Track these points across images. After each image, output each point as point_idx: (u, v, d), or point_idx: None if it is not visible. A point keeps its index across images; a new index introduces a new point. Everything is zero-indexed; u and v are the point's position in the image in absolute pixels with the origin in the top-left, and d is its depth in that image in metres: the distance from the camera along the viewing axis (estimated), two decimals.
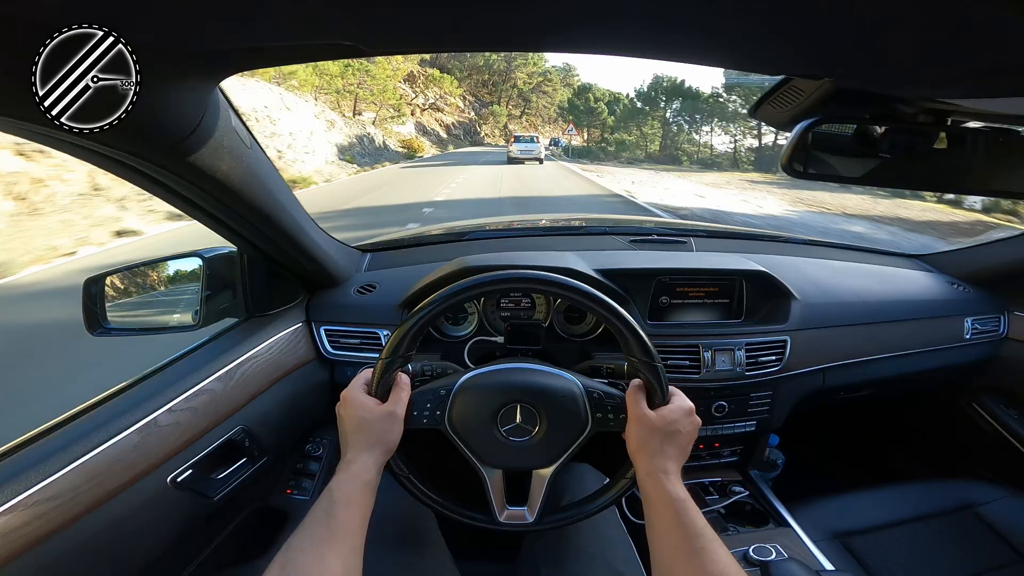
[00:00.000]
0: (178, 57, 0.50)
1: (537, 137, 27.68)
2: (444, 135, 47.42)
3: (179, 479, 0.82)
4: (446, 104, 52.31)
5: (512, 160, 23.93)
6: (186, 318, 1.05)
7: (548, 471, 0.77)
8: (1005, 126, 0.66)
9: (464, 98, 58.80)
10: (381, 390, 0.74)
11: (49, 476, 0.65)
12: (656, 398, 0.74)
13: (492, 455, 0.77)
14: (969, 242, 1.67)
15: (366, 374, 0.77)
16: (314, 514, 0.62)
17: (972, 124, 0.66)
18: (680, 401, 0.75)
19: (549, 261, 1.22)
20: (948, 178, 0.72)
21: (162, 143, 0.59)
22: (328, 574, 0.57)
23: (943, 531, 1.23)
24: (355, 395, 0.74)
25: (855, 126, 0.70)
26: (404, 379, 0.76)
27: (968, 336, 1.46)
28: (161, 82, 0.51)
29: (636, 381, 0.76)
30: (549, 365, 0.82)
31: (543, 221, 1.75)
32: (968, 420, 1.63)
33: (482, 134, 58.32)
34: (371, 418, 0.72)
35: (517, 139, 26.42)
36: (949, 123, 0.64)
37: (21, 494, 0.62)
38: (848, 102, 0.64)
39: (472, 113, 59.39)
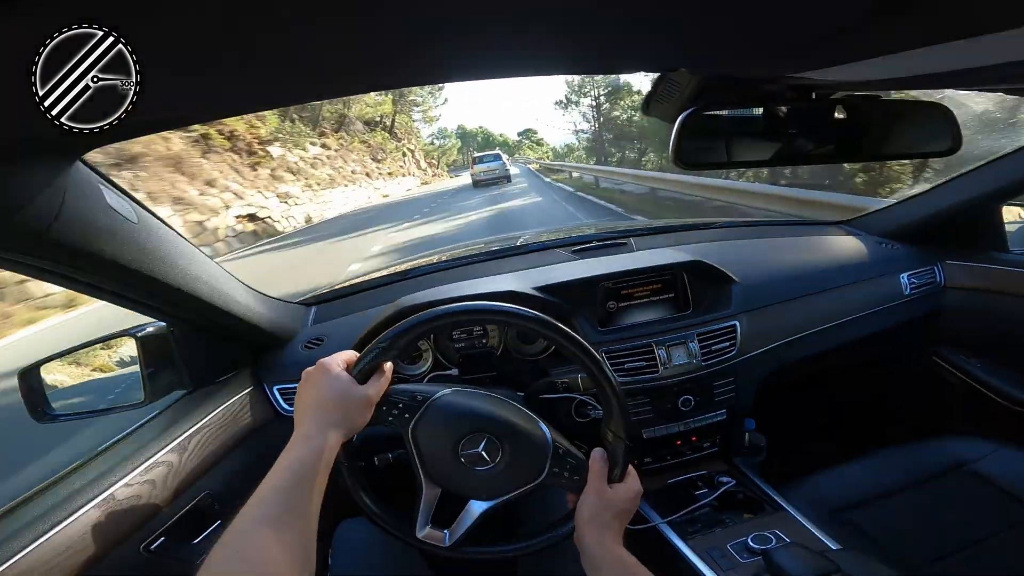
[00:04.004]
0: (20, 141, 0.48)
1: (500, 154, 24.28)
2: None
3: (152, 547, 0.81)
4: None
5: (479, 184, 21.66)
6: (132, 396, 1.04)
7: (484, 505, 0.77)
8: (867, 93, 0.70)
9: None
10: (363, 373, 0.73)
11: (17, 554, 0.66)
12: (616, 474, 0.76)
13: (440, 473, 0.76)
14: (888, 201, 1.73)
15: (348, 353, 0.75)
16: (268, 485, 0.58)
17: (837, 95, 0.70)
18: (634, 482, 0.78)
19: (491, 287, 1.23)
20: (830, 150, 0.76)
21: (23, 233, 0.57)
22: (285, 556, 0.52)
23: (943, 493, 1.22)
24: (333, 367, 0.71)
25: (744, 112, 0.74)
26: (389, 368, 0.75)
27: (908, 292, 1.51)
28: (5, 168, 0.50)
29: (600, 453, 0.78)
30: (512, 395, 0.85)
31: (485, 246, 1.77)
32: (934, 375, 1.66)
33: None
34: (345, 397, 0.69)
35: (480, 160, 23.35)
36: (814, 96, 0.68)
37: None
38: (718, 89, 0.68)
39: None
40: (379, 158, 25.13)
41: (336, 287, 1.50)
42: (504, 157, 23.62)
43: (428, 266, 1.54)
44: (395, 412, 0.75)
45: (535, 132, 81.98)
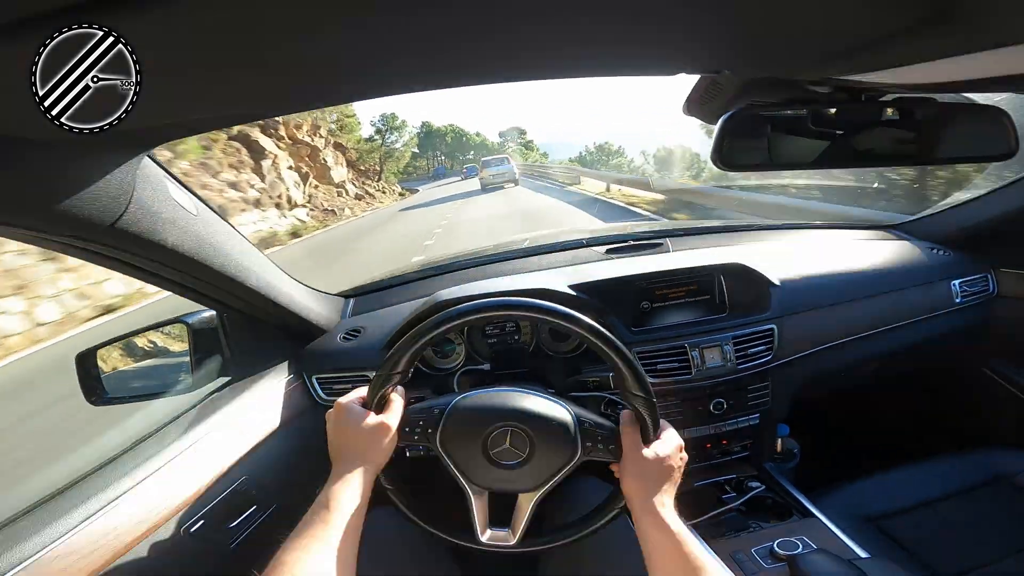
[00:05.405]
0: (98, 136, 0.52)
1: (508, 159, 26.96)
2: None
3: (192, 529, 0.86)
4: None
5: (487, 187, 23.36)
6: (180, 381, 1.10)
7: (534, 496, 0.77)
8: (921, 95, 0.68)
9: None
10: (377, 404, 0.76)
11: (68, 532, 0.70)
12: (649, 433, 0.75)
13: (479, 476, 0.77)
14: (940, 206, 1.65)
15: (360, 390, 0.79)
16: (311, 519, 0.64)
17: (888, 97, 0.68)
18: (671, 436, 0.77)
19: (525, 283, 1.24)
20: (879, 153, 0.73)
21: (99, 222, 0.62)
22: None
23: (981, 504, 1.18)
24: (350, 405, 0.76)
25: (789, 113, 0.72)
26: (400, 392, 0.79)
27: (959, 300, 1.44)
28: (83, 162, 0.54)
29: (628, 415, 0.77)
30: (542, 390, 0.83)
31: (522, 242, 1.77)
32: (983, 387, 1.59)
33: None
34: (365, 429, 0.73)
35: (488, 164, 25.62)
36: (864, 99, 0.66)
37: (43, 550, 0.67)
38: (762, 89, 0.67)
39: None
40: None
41: (374, 280, 1.53)
42: (511, 162, 25.76)
43: (463, 261, 1.56)
44: (418, 431, 0.78)
45: (524, 132, 71.48)
